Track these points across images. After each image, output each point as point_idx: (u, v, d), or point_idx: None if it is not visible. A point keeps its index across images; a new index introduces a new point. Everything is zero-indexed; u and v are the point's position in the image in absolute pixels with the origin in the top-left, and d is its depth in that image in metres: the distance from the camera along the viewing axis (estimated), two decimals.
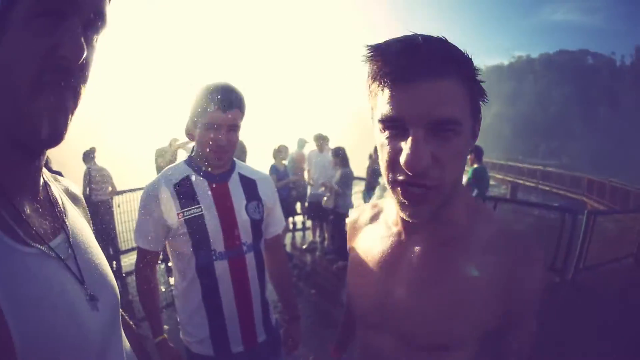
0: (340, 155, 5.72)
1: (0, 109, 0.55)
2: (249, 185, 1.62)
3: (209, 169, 1.54)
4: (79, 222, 0.76)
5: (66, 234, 0.69)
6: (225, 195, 1.54)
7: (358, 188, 7.68)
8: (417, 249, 0.85)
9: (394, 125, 0.70)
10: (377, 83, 0.71)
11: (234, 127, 1.47)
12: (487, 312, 0.77)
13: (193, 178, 1.53)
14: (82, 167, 5.65)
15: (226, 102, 1.42)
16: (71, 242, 0.69)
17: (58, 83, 0.55)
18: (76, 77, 0.57)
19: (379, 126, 0.73)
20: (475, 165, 5.74)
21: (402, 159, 0.68)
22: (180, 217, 1.46)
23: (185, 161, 1.59)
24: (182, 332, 1.63)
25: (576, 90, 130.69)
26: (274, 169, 5.95)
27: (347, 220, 1.13)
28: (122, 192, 6.40)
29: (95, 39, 0.61)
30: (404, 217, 0.77)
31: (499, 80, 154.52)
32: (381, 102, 0.71)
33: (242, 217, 1.54)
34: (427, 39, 0.68)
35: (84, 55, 0.56)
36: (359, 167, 6.57)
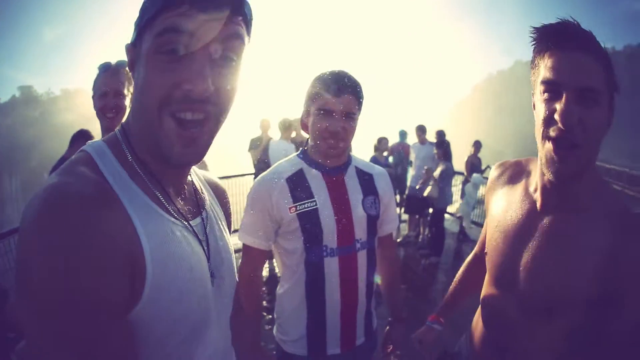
0: (443, 147, 5.55)
1: (141, 124, 0.68)
2: (366, 179, 1.53)
3: (324, 162, 1.45)
4: (213, 209, 0.88)
5: (202, 219, 0.80)
6: (341, 189, 1.46)
7: (454, 181, 7.43)
8: (549, 217, 0.99)
9: (551, 89, 0.88)
10: (540, 53, 0.91)
11: (349, 115, 1.36)
12: (595, 279, 0.88)
13: (307, 171, 1.46)
14: None
15: (339, 87, 1.34)
16: (206, 226, 0.80)
17: (184, 114, 0.63)
18: (206, 107, 0.64)
19: (540, 88, 0.91)
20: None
21: (558, 114, 0.85)
22: (292, 211, 1.40)
23: (298, 155, 1.53)
24: (277, 330, 1.57)
25: None
26: (374, 161, 5.88)
27: (490, 175, 1.26)
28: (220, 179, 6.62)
29: (231, 66, 0.66)
30: (548, 175, 0.92)
31: None
32: (543, 69, 0.90)
33: (359, 213, 1.46)
34: (579, 24, 0.88)
35: (211, 89, 0.62)
36: (456, 160, 6.33)
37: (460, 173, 6.96)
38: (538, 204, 1.02)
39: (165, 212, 0.69)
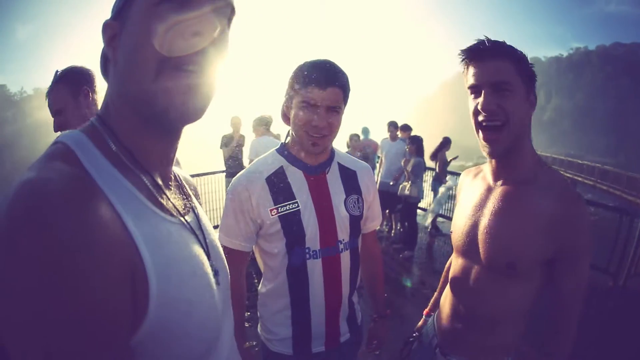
0: (416, 143, 5.63)
1: (131, 91, 0.60)
2: (349, 176, 1.47)
3: (305, 159, 1.39)
4: (199, 206, 0.82)
5: (195, 213, 0.75)
6: (323, 189, 1.40)
7: (424, 177, 7.51)
8: (499, 190, 1.21)
9: (474, 90, 1.13)
10: (465, 68, 1.16)
11: (333, 109, 1.28)
12: (544, 241, 1.08)
13: (287, 169, 1.38)
14: None
15: (324, 79, 1.25)
16: (199, 220, 0.75)
17: (181, 66, 0.58)
18: (202, 58, 0.59)
19: (468, 92, 1.15)
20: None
21: (480, 105, 1.09)
22: (274, 213, 1.33)
23: (277, 150, 1.44)
24: (261, 329, 1.53)
25: (633, 84, 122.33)
26: None
27: (459, 180, 1.49)
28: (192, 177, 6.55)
29: (227, 25, 0.64)
30: (487, 155, 1.16)
31: (557, 73, 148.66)
32: (468, 77, 1.14)
33: (341, 213, 1.40)
34: (490, 39, 1.12)
35: (209, 40, 0.59)
36: (425, 156, 6.41)
37: (431, 169, 7.03)
38: (491, 181, 1.25)
39: (159, 209, 0.62)
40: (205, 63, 0.59)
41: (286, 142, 1.44)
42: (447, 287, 1.40)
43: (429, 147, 6.10)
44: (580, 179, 22.48)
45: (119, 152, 0.61)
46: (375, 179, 6.63)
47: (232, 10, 0.64)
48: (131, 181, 0.60)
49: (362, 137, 6.83)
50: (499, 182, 1.22)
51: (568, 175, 23.08)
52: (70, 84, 1.60)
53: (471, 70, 1.13)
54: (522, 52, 1.12)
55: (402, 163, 5.82)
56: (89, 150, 0.58)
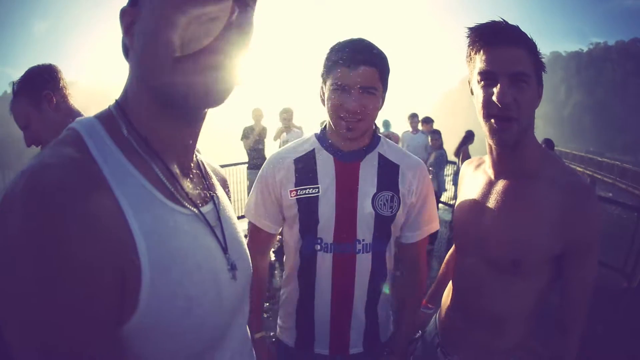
0: (440, 136, 5.64)
1: (150, 77, 0.58)
2: (389, 171, 1.30)
3: (339, 144, 1.29)
4: (224, 197, 0.79)
5: (214, 204, 0.72)
6: (351, 179, 1.27)
7: (446, 171, 7.48)
8: (501, 184, 1.15)
9: (487, 77, 1.04)
10: (475, 49, 1.07)
11: (369, 89, 1.18)
12: (552, 236, 1.03)
13: (318, 153, 1.30)
14: None
15: (355, 58, 1.16)
16: (219, 211, 0.71)
17: (201, 49, 0.55)
18: (223, 41, 0.56)
19: (477, 78, 1.06)
20: None
21: (495, 97, 1.01)
22: (293, 195, 1.27)
23: (316, 134, 1.37)
24: (279, 315, 1.49)
25: None
26: None
27: (461, 171, 1.41)
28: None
29: (249, 5, 0.60)
30: (493, 145, 1.11)
31: (577, 68, 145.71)
32: (479, 62, 1.06)
33: (365, 209, 1.26)
34: (506, 22, 1.05)
35: (227, 23, 0.55)
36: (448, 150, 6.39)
37: (453, 162, 7.00)
38: (492, 174, 1.19)
39: (168, 199, 0.60)
40: (227, 46, 0.56)
41: (325, 125, 1.36)
42: (450, 284, 1.36)
43: (449, 141, 6.07)
44: (599, 176, 22.09)
45: (131, 138, 0.59)
46: None
47: None
48: (141, 170, 0.58)
49: (382, 129, 6.82)
50: (502, 176, 1.16)
51: (588, 172, 22.75)
52: (28, 95, 1.47)
53: (484, 54, 1.05)
54: (532, 39, 1.06)
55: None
56: (99, 137, 0.57)
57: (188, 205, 0.63)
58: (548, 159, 1.13)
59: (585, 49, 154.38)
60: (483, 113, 1.06)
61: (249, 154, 6.06)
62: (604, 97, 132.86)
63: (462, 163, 6.48)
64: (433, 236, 5.71)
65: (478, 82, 1.07)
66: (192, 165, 0.71)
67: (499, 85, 1.01)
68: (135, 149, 0.59)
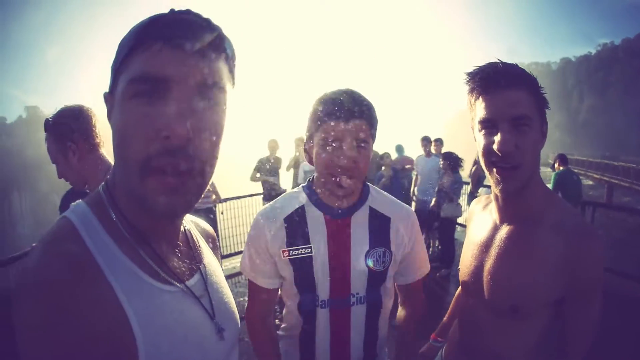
0: (450, 160, 5.58)
1: (122, 180, 0.63)
2: (380, 224, 1.28)
3: (329, 201, 1.24)
4: (212, 261, 0.83)
5: (201, 274, 0.76)
6: (343, 236, 1.24)
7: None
8: (504, 230, 1.14)
9: (487, 125, 1.02)
10: (474, 96, 1.05)
11: (360, 143, 1.13)
12: (553, 281, 1.02)
13: (308, 210, 1.26)
14: None
15: (346, 110, 1.10)
16: (206, 281, 0.76)
17: (166, 167, 0.57)
18: (190, 154, 0.58)
19: (478, 127, 1.05)
20: (561, 168, 5.92)
21: (496, 145, 0.99)
22: (285, 255, 1.24)
23: (305, 186, 1.31)
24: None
25: None
26: (379, 177, 5.98)
27: (469, 209, 1.41)
28: (225, 200, 6.74)
29: (215, 102, 0.61)
30: (498, 193, 1.09)
31: (588, 72, 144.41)
32: (478, 109, 1.04)
33: (359, 267, 1.24)
34: (504, 63, 1.02)
35: (190, 134, 0.56)
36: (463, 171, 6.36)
37: (467, 183, 6.98)
38: (497, 219, 1.19)
39: (156, 280, 0.64)
40: (193, 151, 0.58)
41: (313, 178, 1.31)
42: (455, 324, 1.39)
43: (466, 158, 6.00)
44: (616, 181, 21.75)
45: (118, 224, 0.63)
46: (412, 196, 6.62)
47: (223, 83, 0.63)
48: (130, 255, 0.62)
49: (396, 155, 6.85)
50: (506, 220, 1.15)
51: (605, 179, 22.41)
52: (56, 141, 1.52)
53: (483, 102, 1.02)
54: (533, 76, 1.04)
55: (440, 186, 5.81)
56: (92, 227, 0.62)
57: (174, 282, 0.68)
58: (552, 201, 1.12)
59: (593, 52, 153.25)
60: (485, 162, 1.05)
61: (263, 185, 6.13)
62: (615, 98, 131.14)
63: (472, 184, 6.48)
64: (449, 260, 5.70)
65: (479, 130, 1.05)
66: (179, 239, 0.74)
67: (499, 131, 0.99)
68: (123, 233, 0.63)
